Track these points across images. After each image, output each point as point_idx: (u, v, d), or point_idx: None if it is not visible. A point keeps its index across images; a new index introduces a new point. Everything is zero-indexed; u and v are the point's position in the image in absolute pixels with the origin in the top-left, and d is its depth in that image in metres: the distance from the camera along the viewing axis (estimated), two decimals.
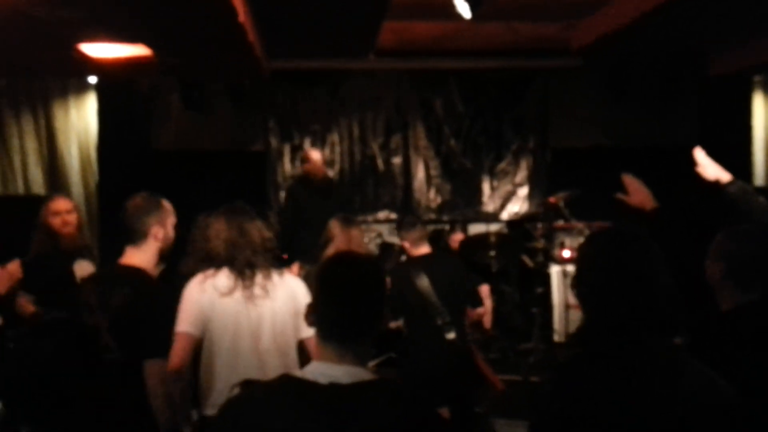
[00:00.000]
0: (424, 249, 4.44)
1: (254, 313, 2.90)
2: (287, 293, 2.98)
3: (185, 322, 2.85)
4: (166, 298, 2.92)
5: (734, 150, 7.55)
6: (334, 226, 4.00)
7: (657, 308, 1.66)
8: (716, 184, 2.95)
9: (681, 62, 7.01)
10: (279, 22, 5.27)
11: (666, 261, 1.74)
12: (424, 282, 4.18)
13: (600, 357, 1.68)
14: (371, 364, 5.49)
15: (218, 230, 3.00)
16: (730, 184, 2.94)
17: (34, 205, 4.30)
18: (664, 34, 5.83)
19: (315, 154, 6.36)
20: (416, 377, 4.27)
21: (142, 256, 2.91)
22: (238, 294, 2.90)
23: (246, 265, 2.93)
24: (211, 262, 3.73)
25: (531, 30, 6.43)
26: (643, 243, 1.73)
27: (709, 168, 3.02)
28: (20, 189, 6.94)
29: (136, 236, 2.91)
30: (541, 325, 6.12)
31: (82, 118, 7.11)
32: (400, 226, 4.64)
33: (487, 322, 5.86)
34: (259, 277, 2.93)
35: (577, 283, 1.78)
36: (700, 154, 3.06)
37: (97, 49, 4.83)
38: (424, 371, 4.22)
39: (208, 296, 2.88)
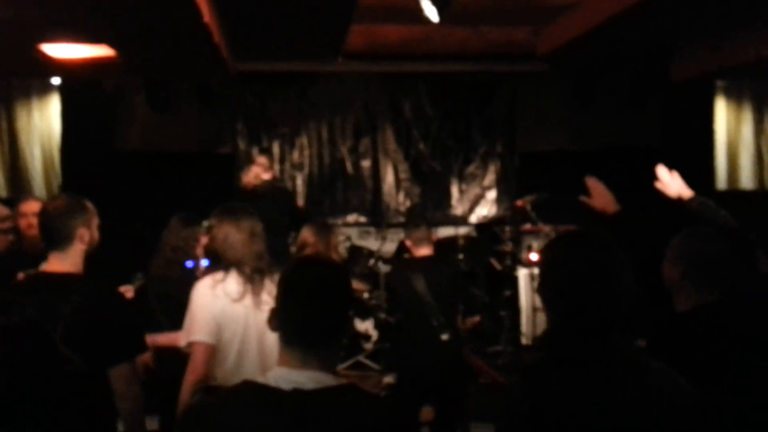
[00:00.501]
0: (425, 250, 4.50)
1: (260, 318, 2.80)
2: None
3: (202, 331, 2.79)
4: (117, 301, 2.80)
5: (697, 154, 7.70)
6: (308, 233, 3.99)
7: (621, 310, 1.67)
8: (678, 201, 2.94)
9: (645, 67, 7.11)
10: (245, 24, 5.24)
11: (628, 263, 1.75)
12: (420, 283, 4.25)
13: (567, 359, 1.68)
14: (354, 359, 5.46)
15: (227, 233, 2.94)
16: (692, 200, 2.94)
17: None
18: (628, 38, 5.90)
19: (260, 159, 6.40)
20: (408, 375, 4.43)
21: (70, 261, 2.71)
22: (248, 300, 2.85)
23: (255, 270, 2.89)
24: (177, 264, 3.71)
25: (499, 34, 6.47)
26: (606, 245, 1.74)
27: (671, 185, 3.00)
28: None
29: (60, 240, 2.70)
30: (510, 328, 6.14)
31: (45, 120, 6.99)
32: (406, 226, 4.65)
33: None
34: (267, 282, 2.89)
35: (542, 286, 1.78)
36: (662, 171, 3.03)
37: (60, 50, 4.75)
38: (416, 370, 4.35)
39: (220, 303, 2.83)
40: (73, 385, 2.42)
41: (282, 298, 1.76)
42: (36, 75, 6.56)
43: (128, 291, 3.93)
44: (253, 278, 2.87)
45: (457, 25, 6.22)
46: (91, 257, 2.82)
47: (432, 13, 4.68)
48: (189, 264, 4.65)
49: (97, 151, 7.07)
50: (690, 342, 2.19)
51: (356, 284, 6.16)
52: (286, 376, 1.66)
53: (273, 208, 5.98)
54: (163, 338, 3.40)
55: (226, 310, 2.82)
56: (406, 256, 5.52)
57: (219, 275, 2.92)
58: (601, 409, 1.61)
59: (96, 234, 2.84)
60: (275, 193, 6.50)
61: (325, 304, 1.71)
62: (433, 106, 7.75)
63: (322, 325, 1.70)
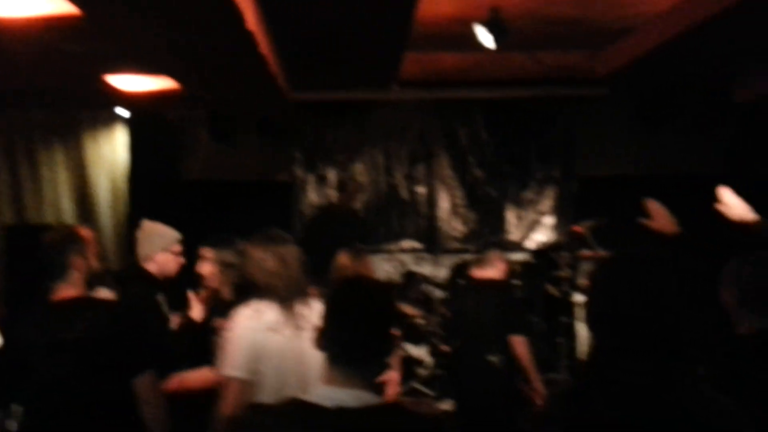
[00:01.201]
0: (488, 273, 4.48)
1: (298, 345, 2.76)
2: None
3: (237, 366, 2.74)
4: (128, 315, 2.99)
5: (764, 178, 7.44)
6: (344, 258, 3.99)
7: (670, 334, 1.62)
8: (741, 225, 2.85)
9: (710, 90, 6.94)
10: (301, 54, 5.35)
11: (687, 287, 1.71)
12: (478, 306, 4.25)
13: (604, 383, 1.63)
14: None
15: (259, 260, 2.90)
16: (756, 223, 2.84)
17: None
18: (688, 60, 5.78)
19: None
20: (464, 401, 4.39)
21: (73, 288, 2.91)
22: (287, 329, 2.79)
23: (290, 297, 2.83)
24: (246, 292, 3.74)
25: (555, 59, 6.43)
26: (657, 267, 1.69)
27: (734, 208, 2.90)
28: (50, 218, 7.07)
29: (59, 271, 2.90)
30: (566, 354, 6.01)
31: (112, 150, 7.25)
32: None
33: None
34: (302, 309, 2.84)
35: (588, 308, 1.75)
36: (726, 194, 2.93)
37: (124, 81, 4.95)
38: (471, 395, 4.30)
39: (261, 334, 2.77)
40: (98, 395, 2.67)
41: (328, 317, 1.78)
42: (102, 106, 6.83)
43: (175, 319, 4.06)
44: (289, 307, 2.82)
45: (513, 51, 6.21)
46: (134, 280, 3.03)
47: (488, 41, 4.70)
48: None
49: (162, 180, 7.29)
50: (753, 366, 2.16)
51: (410, 310, 6.15)
52: (329, 394, 1.67)
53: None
54: (193, 378, 3.35)
55: (266, 340, 2.76)
56: (461, 281, 5.50)
57: (255, 304, 2.86)
58: None
59: (93, 261, 3.05)
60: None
61: (371, 323, 1.72)
62: (489, 132, 7.72)
63: (367, 344, 1.71)
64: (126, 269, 5.33)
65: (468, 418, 4.33)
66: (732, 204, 2.92)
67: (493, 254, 4.60)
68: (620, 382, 1.61)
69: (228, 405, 2.71)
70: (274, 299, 2.82)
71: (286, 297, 2.82)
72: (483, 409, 4.27)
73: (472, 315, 4.34)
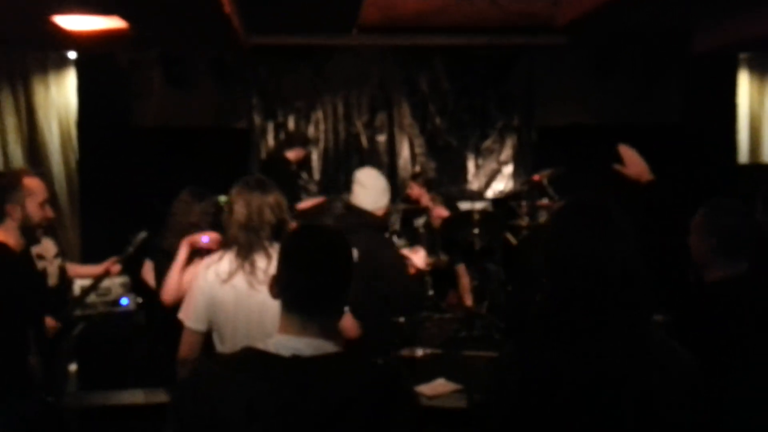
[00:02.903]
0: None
1: (255, 297, 2.67)
2: None
3: (189, 317, 2.74)
4: (26, 269, 3.13)
5: (719, 128, 7.56)
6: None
7: (620, 280, 1.62)
8: (636, 184, 2.68)
9: (666, 40, 6.97)
10: None
11: (632, 233, 1.70)
12: None
13: (558, 329, 1.65)
14: None
15: (229, 209, 2.81)
16: (648, 185, 2.66)
17: None
18: (648, 11, 5.77)
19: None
20: None
21: (6, 235, 3.11)
22: (239, 280, 2.70)
23: (249, 248, 2.72)
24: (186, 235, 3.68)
25: (517, 6, 6.35)
26: (606, 214, 1.68)
27: (633, 166, 2.70)
28: (0, 165, 6.85)
29: None
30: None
31: (62, 94, 7.00)
32: None
33: (467, 299, 5.88)
34: (262, 261, 2.72)
35: (542, 256, 1.75)
36: (626, 150, 2.75)
37: (72, 22, 4.74)
38: None
39: (209, 285, 2.72)
40: None
41: (282, 265, 1.75)
42: (50, 48, 6.56)
43: (115, 267, 4.06)
44: (246, 257, 2.72)
45: None
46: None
47: None
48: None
49: (114, 126, 7.08)
50: (721, 313, 2.25)
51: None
52: (285, 343, 1.65)
53: None
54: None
55: (217, 292, 2.71)
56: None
57: (216, 255, 2.82)
58: (590, 379, 1.58)
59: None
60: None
61: (325, 271, 1.70)
62: (450, 80, 7.66)
63: (322, 292, 1.69)
64: None
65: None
66: (631, 161, 2.73)
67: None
68: (575, 329, 1.62)
69: (182, 348, 2.73)
70: (234, 250, 2.76)
71: (245, 247, 2.73)
72: None
73: None
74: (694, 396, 1.60)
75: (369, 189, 3.90)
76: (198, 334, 2.75)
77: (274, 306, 2.64)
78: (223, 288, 2.71)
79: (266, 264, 2.71)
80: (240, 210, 2.76)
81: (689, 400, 1.59)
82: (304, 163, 6.40)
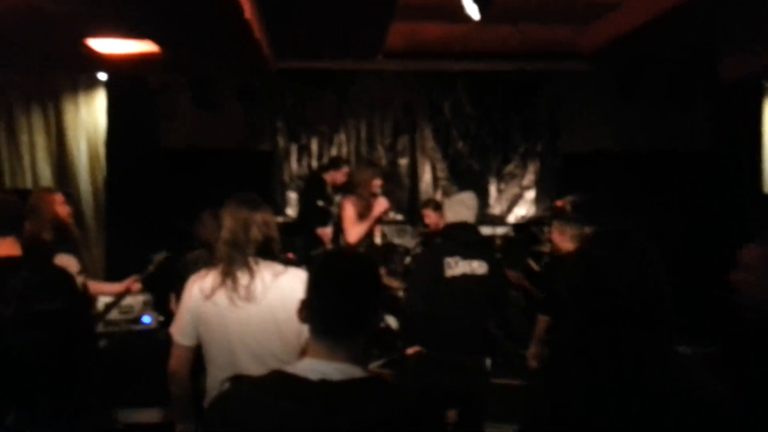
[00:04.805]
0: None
1: (237, 315, 2.66)
2: (278, 295, 2.66)
3: (178, 331, 2.77)
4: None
5: (745, 156, 7.51)
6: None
7: (645, 307, 1.64)
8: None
9: (691, 67, 6.96)
10: (286, 21, 5.28)
11: (660, 263, 1.71)
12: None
13: (582, 355, 1.66)
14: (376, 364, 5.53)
15: (217, 226, 2.88)
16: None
17: None
18: (673, 37, 5.79)
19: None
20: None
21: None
22: (220, 297, 2.67)
23: (232, 265, 2.69)
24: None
25: (541, 33, 6.40)
26: (635, 243, 1.71)
27: None
28: (29, 184, 6.97)
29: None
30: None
31: (91, 115, 7.12)
32: None
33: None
34: (244, 278, 2.68)
35: (567, 282, 1.77)
36: None
37: (105, 45, 4.85)
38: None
39: (194, 301, 2.72)
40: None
41: (311, 290, 1.77)
42: (82, 70, 6.69)
43: (136, 285, 4.10)
44: (228, 274, 2.68)
45: (498, 23, 6.18)
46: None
47: (473, 11, 4.66)
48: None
49: (142, 147, 7.20)
50: (754, 347, 2.22)
51: (391, 282, 6.16)
52: (314, 367, 1.66)
53: None
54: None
55: (200, 308, 2.71)
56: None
57: (203, 271, 2.78)
58: (617, 405, 1.58)
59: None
60: None
61: (354, 296, 1.71)
62: (473, 105, 7.71)
63: (351, 317, 1.71)
64: None
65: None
66: None
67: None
68: (602, 355, 1.63)
69: (171, 366, 2.76)
70: (218, 266, 2.74)
71: (228, 264, 2.70)
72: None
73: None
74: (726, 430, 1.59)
75: (472, 210, 4.45)
76: (186, 349, 2.76)
77: (255, 323, 2.69)
78: (206, 304, 2.71)
79: (248, 281, 2.68)
80: (227, 226, 2.76)
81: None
82: (341, 187, 6.43)
